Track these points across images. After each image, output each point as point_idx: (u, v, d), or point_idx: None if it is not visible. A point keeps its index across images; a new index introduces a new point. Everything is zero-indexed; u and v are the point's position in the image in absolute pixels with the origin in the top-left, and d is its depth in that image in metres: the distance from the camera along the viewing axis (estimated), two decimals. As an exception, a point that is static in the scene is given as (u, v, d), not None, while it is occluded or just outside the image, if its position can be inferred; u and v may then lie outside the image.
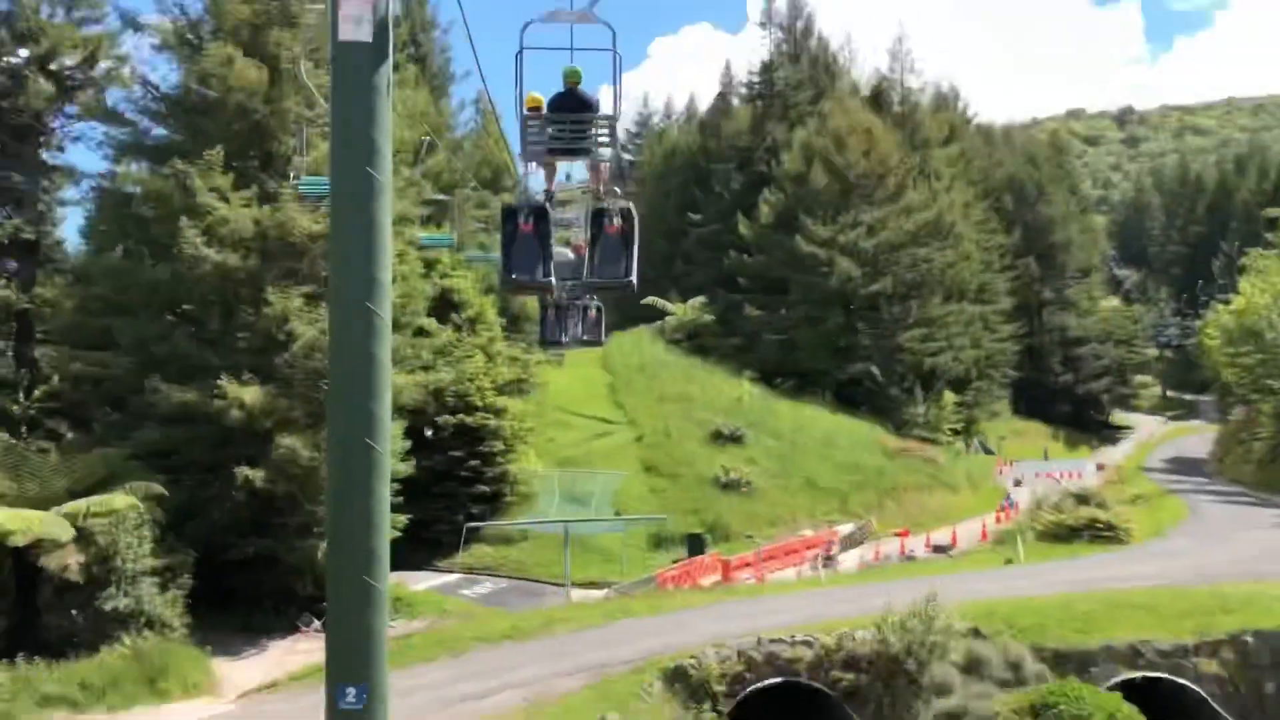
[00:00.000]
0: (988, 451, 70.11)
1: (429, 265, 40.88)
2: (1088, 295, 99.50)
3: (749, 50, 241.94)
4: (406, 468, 35.32)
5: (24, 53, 40.59)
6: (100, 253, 36.22)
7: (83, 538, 26.16)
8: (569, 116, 9.00)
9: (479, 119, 69.36)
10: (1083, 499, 29.48)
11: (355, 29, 8.80)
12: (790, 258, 58.19)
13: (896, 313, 56.95)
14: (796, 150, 62.57)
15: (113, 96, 39.92)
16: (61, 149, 43.34)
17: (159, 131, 35.80)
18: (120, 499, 26.93)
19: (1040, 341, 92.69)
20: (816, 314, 57.57)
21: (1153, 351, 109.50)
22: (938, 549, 39.87)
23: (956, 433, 62.25)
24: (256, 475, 29.53)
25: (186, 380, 30.66)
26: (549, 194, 9.99)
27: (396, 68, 46.35)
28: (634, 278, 9.41)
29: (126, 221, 34.30)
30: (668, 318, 64.13)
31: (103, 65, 41.65)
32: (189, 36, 33.96)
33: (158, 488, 28.05)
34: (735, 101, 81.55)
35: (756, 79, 76.55)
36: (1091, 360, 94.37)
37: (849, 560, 37.32)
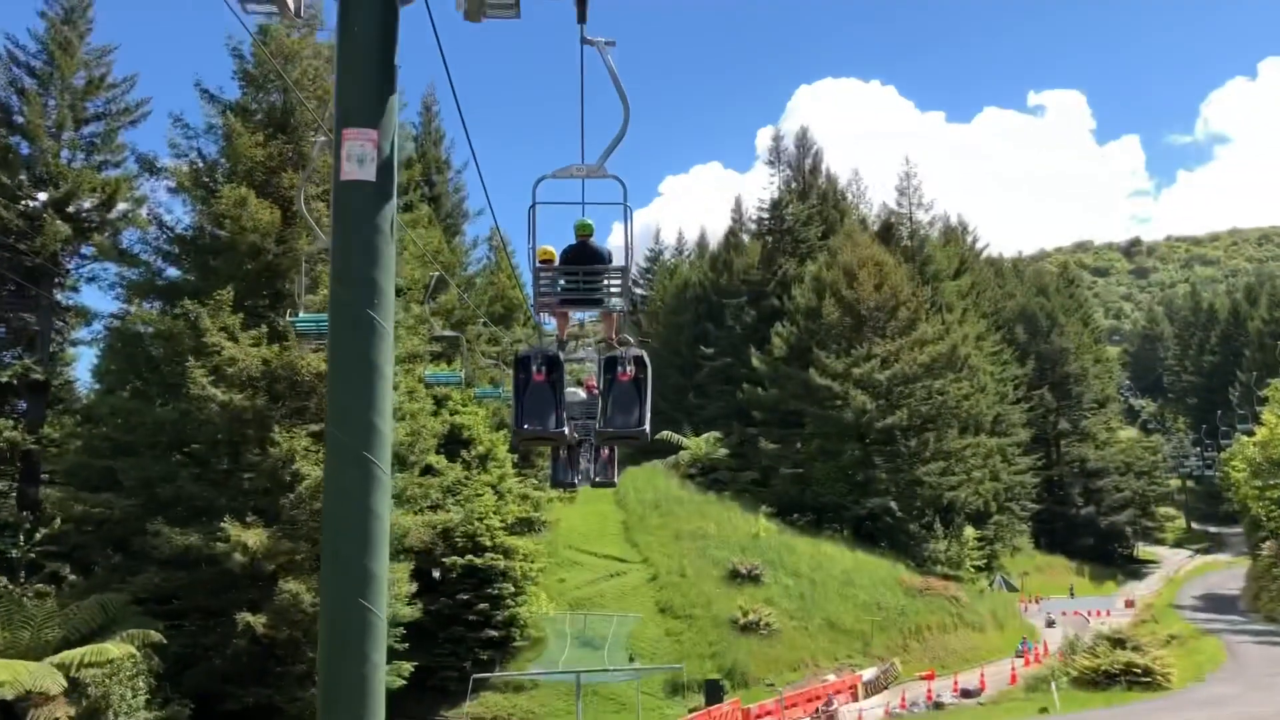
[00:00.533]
0: (1011, 588, 68.37)
1: (439, 402, 40.61)
2: (1105, 426, 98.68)
3: (758, 187, 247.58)
4: (412, 612, 34.41)
5: (43, 196, 41.33)
6: (110, 393, 36.12)
7: (75, 689, 25.27)
8: (581, 268, 9.07)
9: (492, 256, 70.25)
10: (1118, 642, 28.13)
11: (358, 169, 8.53)
12: (804, 390, 57.73)
13: (913, 446, 56.09)
14: (807, 284, 62.77)
15: (128, 238, 40.56)
16: (76, 290, 43.72)
17: (172, 272, 36.07)
18: (115, 648, 26.11)
19: (1059, 474, 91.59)
20: (832, 447, 56.76)
21: (1175, 482, 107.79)
22: (965, 694, 38.28)
23: (979, 569, 60.70)
24: (258, 621, 28.71)
25: (190, 522, 30.15)
26: (561, 343, 10.00)
27: (409, 208, 47.37)
28: (647, 427, 9.17)
29: (137, 361, 34.26)
30: (681, 452, 63.41)
31: (120, 207, 42.39)
32: (204, 179, 34.44)
33: (156, 635, 27.23)
34: (745, 237, 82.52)
35: (766, 215, 77.48)
36: (1113, 492, 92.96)
37: (874, 707, 35.72)
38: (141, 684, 26.34)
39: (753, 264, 75.68)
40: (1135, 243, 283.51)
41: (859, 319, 58.94)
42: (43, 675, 24.61)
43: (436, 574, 38.48)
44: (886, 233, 75.59)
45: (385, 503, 7.31)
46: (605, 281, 8.98)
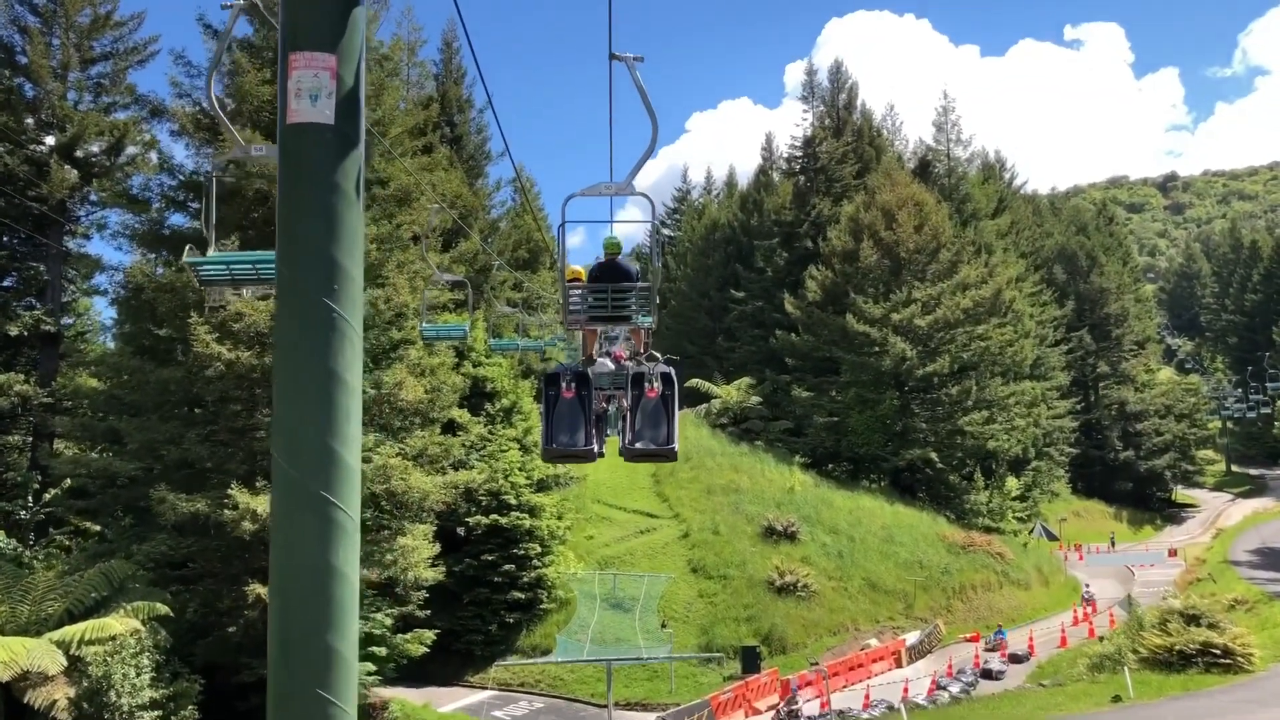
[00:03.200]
0: (1051, 536, 66.15)
1: (461, 354, 38.57)
2: (1145, 368, 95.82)
3: (789, 124, 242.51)
4: (435, 574, 32.64)
5: (50, 140, 39.29)
6: (120, 349, 34.41)
7: (75, 667, 23.65)
8: (609, 286, 9.06)
9: (517, 197, 67.81)
10: (1192, 618, 25.84)
11: (310, 107, 6.41)
12: (840, 337, 55.25)
13: (954, 394, 53.61)
14: (844, 225, 59.88)
15: (137, 184, 38.56)
16: (88, 237, 41.82)
17: (178, 219, 34.03)
18: (119, 623, 24.39)
19: (1097, 417, 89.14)
20: (869, 395, 54.39)
21: (1215, 424, 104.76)
22: (1014, 658, 36.40)
23: (1022, 521, 58.51)
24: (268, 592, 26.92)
25: (199, 486, 28.35)
26: (590, 359, 9.94)
27: (429, 149, 44.90)
28: (676, 444, 9.06)
29: (142, 316, 32.35)
30: (713, 400, 61.22)
31: (129, 151, 40.32)
32: (207, 120, 32.16)
33: (163, 608, 25.49)
34: (776, 176, 79.46)
35: (799, 153, 74.25)
36: (1152, 436, 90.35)
37: (920, 677, 33.69)
38: (146, 661, 24.64)
39: (784, 204, 72.77)
40: (1171, 178, 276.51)
41: (898, 262, 56.18)
42: (41, 653, 22.97)
43: (462, 531, 36.79)
44: (923, 170, 72.60)
45: (352, 558, 5.60)
46: (633, 299, 8.99)
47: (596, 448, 9.42)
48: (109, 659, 23.99)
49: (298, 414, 5.66)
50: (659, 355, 9.85)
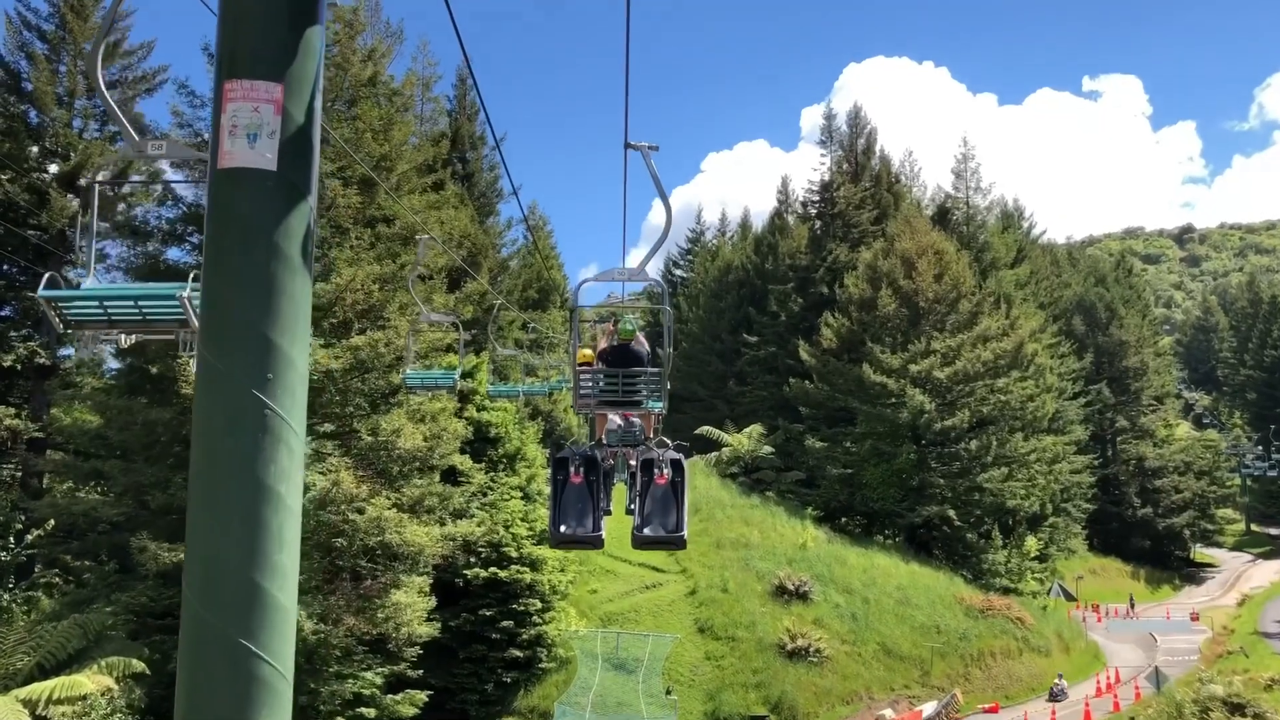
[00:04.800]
0: (1068, 596, 64.31)
1: (464, 398, 37.28)
2: (1164, 423, 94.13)
3: (805, 167, 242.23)
4: (430, 629, 31.22)
5: (53, 168, 38.49)
6: (109, 385, 33.34)
7: (42, 728, 22.25)
8: (620, 371, 8.94)
9: (528, 236, 66.84)
10: (1236, 708, 24.20)
11: (247, 148, 4.92)
12: (856, 386, 53.87)
13: (973, 450, 52.07)
14: (861, 272, 58.68)
15: (141, 215, 37.62)
16: (86, 268, 40.80)
17: (174, 253, 33.04)
18: (90, 680, 23.02)
19: (1115, 472, 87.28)
20: (885, 448, 52.92)
21: (1236, 482, 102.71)
22: (1037, 734, 34.71)
23: (1040, 581, 56.74)
24: (251, 650, 25.48)
25: (184, 534, 27.00)
26: (599, 443, 9.67)
27: (439, 186, 43.89)
28: (685, 532, 8.95)
29: (134, 352, 31.23)
30: (723, 449, 59.75)
31: (134, 178, 39.44)
32: (205, 153, 31.19)
33: (139, 664, 24.10)
34: (792, 219, 78.37)
35: (816, 197, 73.32)
36: (1171, 493, 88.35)
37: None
38: (116, 723, 23.28)
39: (800, 248, 71.68)
40: (1188, 229, 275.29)
41: (917, 311, 54.87)
42: (5, 713, 21.57)
43: (460, 582, 35.33)
44: (942, 218, 71.37)
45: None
46: (643, 385, 8.84)
47: (604, 534, 9.23)
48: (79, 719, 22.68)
49: (216, 539, 4.53)
50: (669, 441, 9.77)
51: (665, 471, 9.03)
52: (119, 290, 7.71)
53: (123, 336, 7.92)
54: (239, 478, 4.63)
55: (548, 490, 10.22)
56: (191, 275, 7.16)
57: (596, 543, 9.22)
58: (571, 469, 9.04)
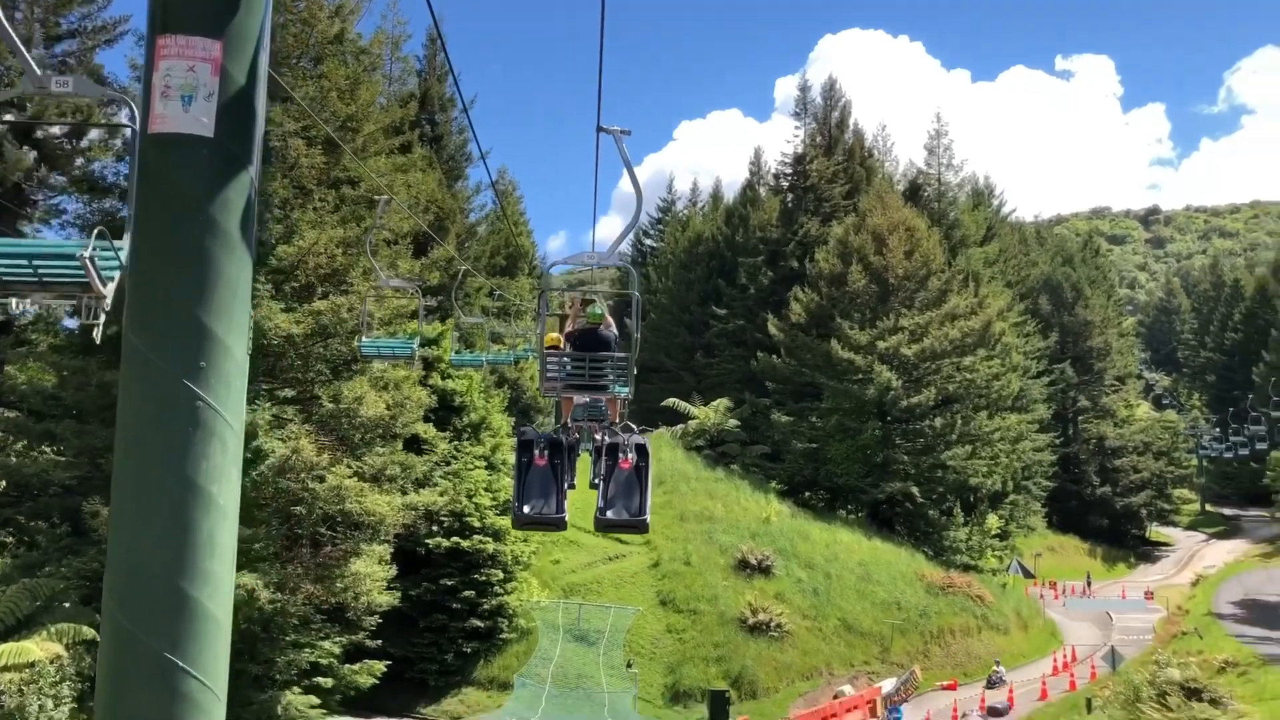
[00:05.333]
0: (1026, 573, 64.98)
1: (429, 366, 36.75)
2: (1125, 403, 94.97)
3: (778, 138, 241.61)
4: (390, 598, 30.91)
5: (8, 118, 37.33)
6: (64, 344, 32.47)
7: (-9, 695, 21.71)
8: (587, 355, 8.99)
9: (497, 201, 66.02)
10: (1193, 692, 24.31)
11: (181, 111, 4.41)
12: (824, 362, 53.68)
13: (938, 427, 52.12)
14: (832, 247, 58.34)
15: (99, 170, 36.64)
16: (47, 223, 39.94)
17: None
18: (39, 647, 22.50)
19: (1076, 451, 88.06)
20: (851, 424, 52.86)
21: (1194, 463, 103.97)
22: (994, 712, 34.88)
23: (1000, 559, 57.14)
24: (206, 620, 25.01)
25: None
26: (565, 426, 9.70)
27: (406, 148, 43.06)
28: (648, 515, 9.11)
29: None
30: (689, 421, 59.50)
31: (94, 135, 38.40)
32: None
33: (89, 631, 23.57)
34: (764, 192, 77.91)
35: (788, 169, 72.90)
36: (1130, 472, 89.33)
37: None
38: (66, 691, 22.75)
39: (771, 220, 71.27)
40: (1153, 211, 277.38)
41: (886, 288, 54.67)
42: (-51, 681, 21.02)
43: (422, 551, 34.93)
44: (914, 194, 71.14)
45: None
46: (610, 369, 8.89)
47: (567, 516, 9.31)
48: (25, 688, 22.13)
49: (141, 543, 4.14)
50: (634, 426, 9.89)
51: (630, 456, 9.08)
52: (9, 246, 6.54)
53: (15, 301, 6.82)
54: (167, 476, 4.27)
55: (513, 464, 9.66)
56: (95, 232, 6.42)
57: (559, 524, 9.29)
58: (536, 451, 9.08)
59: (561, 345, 9.63)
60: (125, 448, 4.30)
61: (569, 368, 8.97)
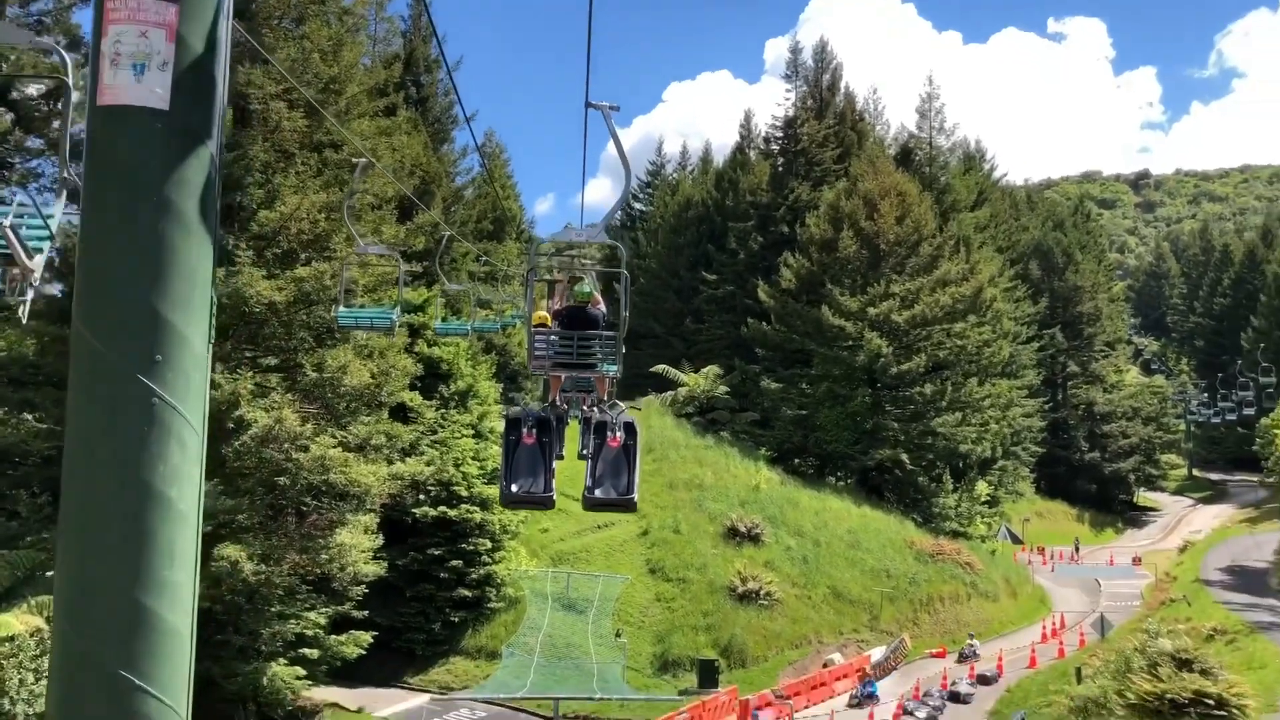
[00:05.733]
0: (1015, 539, 65.23)
1: (414, 332, 36.38)
2: (1115, 369, 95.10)
3: (769, 101, 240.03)
4: (376, 568, 30.72)
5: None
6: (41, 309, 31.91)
7: (-28, 668, 21.43)
8: (575, 334, 9.02)
9: (486, 163, 65.31)
10: (1184, 663, 24.22)
11: (133, 81, 4.06)
12: (814, 329, 53.40)
13: (928, 394, 51.97)
14: (823, 212, 57.88)
15: (78, 133, 35.93)
16: (22, 186, 39.28)
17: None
18: (18, 620, 22.09)
19: (1065, 416, 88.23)
20: (841, 391, 52.71)
21: (1182, 428, 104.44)
22: (983, 679, 34.98)
23: (990, 525, 57.27)
24: (189, 592, 24.76)
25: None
26: (553, 404, 9.71)
27: (391, 111, 42.35)
28: (635, 495, 9.11)
29: (66, 276, 29.92)
30: (679, 389, 59.24)
31: (74, 97, 37.58)
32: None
33: (70, 603, 23.16)
34: (754, 155, 77.22)
35: (779, 133, 72.23)
36: (1119, 438, 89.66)
37: (886, 700, 32.09)
38: (46, 664, 22.46)
39: (761, 185, 70.63)
40: (1143, 175, 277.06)
41: (877, 253, 54.30)
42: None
43: (409, 520, 34.69)
44: (905, 158, 70.62)
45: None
46: (598, 347, 8.95)
47: (554, 495, 9.27)
48: (4, 662, 21.84)
49: (92, 553, 3.87)
50: (621, 404, 9.87)
51: (618, 434, 9.02)
52: None
53: None
54: (120, 480, 3.98)
55: (500, 442, 9.83)
56: (16, 200, 5.90)
57: (547, 503, 9.30)
58: (524, 430, 9.05)
59: (550, 324, 9.55)
60: (75, 449, 4.02)
61: (557, 346, 8.93)
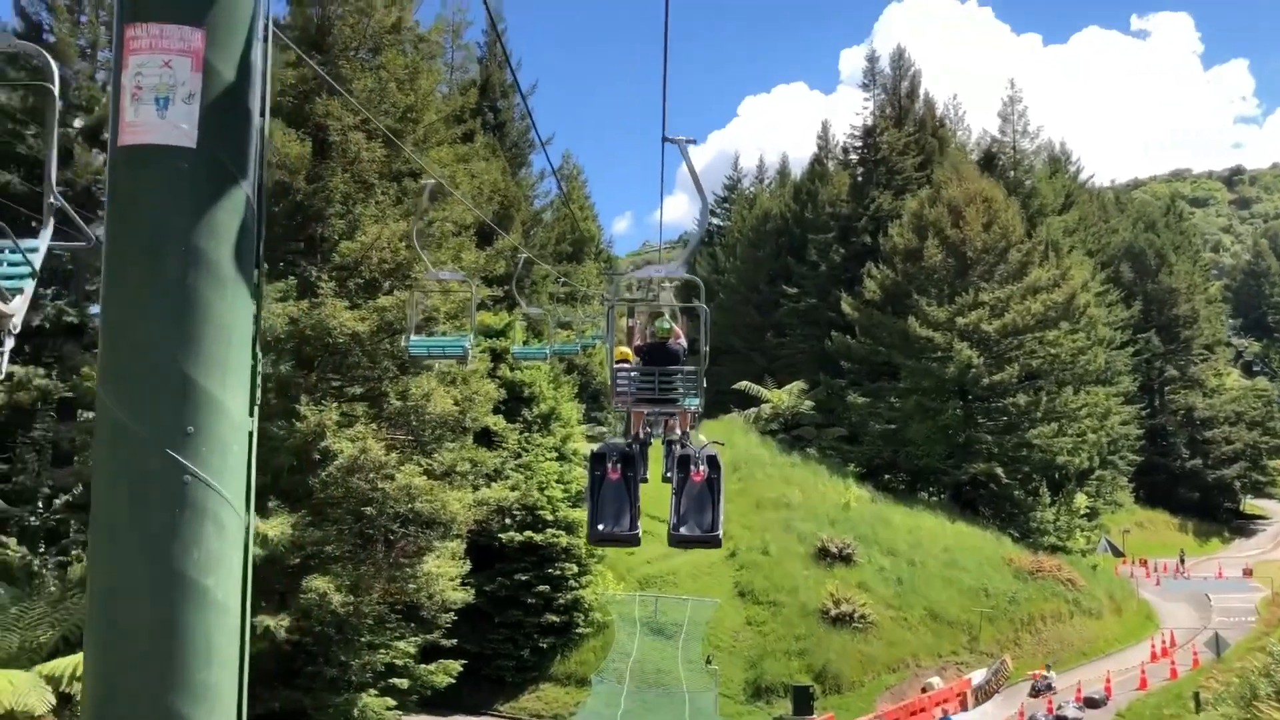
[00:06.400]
0: (1116, 551, 62.99)
1: (497, 357, 36.23)
2: (1214, 372, 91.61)
3: (846, 111, 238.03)
4: (464, 595, 30.40)
5: (78, 123, 37.58)
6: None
7: (65, 705, 21.53)
8: (656, 370, 9.10)
9: (564, 185, 65.46)
10: (1316, 689, 22.89)
11: (156, 117, 3.60)
12: (900, 340, 52.34)
13: (1022, 405, 50.46)
14: (906, 221, 56.79)
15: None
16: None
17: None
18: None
19: (1163, 423, 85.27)
20: (930, 404, 51.50)
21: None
22: (1090, 703, 33.41)
23: (1089, 539, 55.25)
24: (279, 625, 24.75)
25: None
26: (636, 438, 9.71)
27: (469, 137, 42.46)
28: (720, 531, 8.92)
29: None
30: (762, 405, 58.43)
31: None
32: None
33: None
34: (832, 166, 76.29)
35: (858, 142, 71.24)
36: (1221, 444, 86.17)
37: (987, 718, 30.84)
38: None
39: (841, 195, 69.69)
40: (1237, 171, 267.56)
41: (964, 262, 53.03)
42: (28, 690, 20.83)
43: (498, 544, 34.45)
44: (989, 163, 69.13)
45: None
46: (680, 382, 9.01)
47: (640, 533, 9.26)
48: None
49: (118, 651, 3.41)
50: (704, 438, 9.86)
51: (701, 468, 8.85)
52: None
53: None
54: (147, 569, 3.45)
55: (584, 467, 9.88)
56: None
57: (633, 541, 9.27)
58: (609, 465, 9.04)
59: (631, 359, 9.77)
60: (99, 534, 3.53)
61: (639, 382, 9.00)
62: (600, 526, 8.99)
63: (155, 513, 3.40)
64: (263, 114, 4.14)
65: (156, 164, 3.53)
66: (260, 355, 4.22)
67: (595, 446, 9.66)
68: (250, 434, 3.99)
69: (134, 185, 3.57)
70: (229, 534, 3.59)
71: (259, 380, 4.20)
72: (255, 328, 4.03)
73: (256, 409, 4.19)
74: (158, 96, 3.60)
